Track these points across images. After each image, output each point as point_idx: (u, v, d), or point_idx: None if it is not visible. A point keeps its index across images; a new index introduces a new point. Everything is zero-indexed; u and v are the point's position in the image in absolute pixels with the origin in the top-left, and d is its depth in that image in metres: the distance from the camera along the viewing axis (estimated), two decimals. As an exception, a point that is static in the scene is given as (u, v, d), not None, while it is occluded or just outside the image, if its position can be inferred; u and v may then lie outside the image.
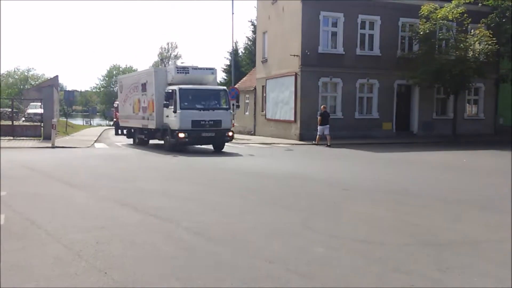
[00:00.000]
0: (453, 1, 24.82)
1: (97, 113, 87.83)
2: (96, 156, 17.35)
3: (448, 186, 10.88)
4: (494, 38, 24.88)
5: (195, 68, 19.53)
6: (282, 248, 5.63)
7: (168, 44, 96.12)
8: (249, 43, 53.33)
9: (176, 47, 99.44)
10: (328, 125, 22.63)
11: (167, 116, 18.61)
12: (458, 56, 25.16)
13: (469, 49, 25.53)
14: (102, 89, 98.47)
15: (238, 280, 4.58)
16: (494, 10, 26.55)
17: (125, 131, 24.53)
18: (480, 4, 26.92)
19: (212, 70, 20.00)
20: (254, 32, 47.71)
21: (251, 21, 52.61)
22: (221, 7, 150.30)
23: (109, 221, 6.92)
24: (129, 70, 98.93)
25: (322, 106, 24.11)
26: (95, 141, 25.05)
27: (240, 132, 31.77)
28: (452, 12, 24.52)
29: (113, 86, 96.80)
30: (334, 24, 26.24)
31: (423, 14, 25.22)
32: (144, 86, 20.63)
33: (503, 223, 7.11)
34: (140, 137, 22.19)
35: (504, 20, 26.51)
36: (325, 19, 25.99)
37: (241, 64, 51.25)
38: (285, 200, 8.89)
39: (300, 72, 25.76)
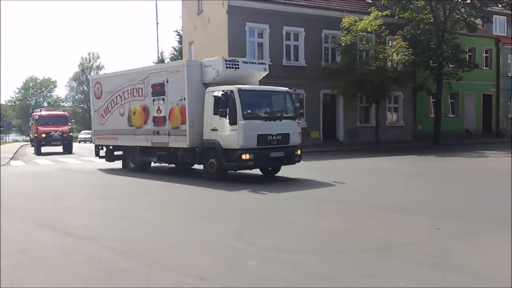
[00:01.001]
0: (371, 14, 26.03)
1: (13, 128, 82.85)
2: (13, 175, 16.28)
3: (374, 192, 11.24)
4: (410, 49, 26.37)
5: (246, 62, 14.55)
6: (213, 264, 5.50)
7: (89, 54, 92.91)
8: (175, 53, 52.80)
9: (98, 57, 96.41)
10: None
11: (215, 130, 13.11)
12: (378, 66, 26.39)
13: (388, 60, 26.88)
14: (17, 102, 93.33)
15: (167, 300, 4.40)
16: (409, 23, 28.26)
17: (103, 152, 18.21)
18: (396, 17, 28.53)
19: (264, 66, 15.04)
20: (180, 42, 47.30)
21: (176, 31, 52.12)
22: (145, 16, 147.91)
23: (28, 244, 6.45)
24: (47, 82, 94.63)
25: None
26: (11, 159, 23.56)
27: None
28: (371, 24, 25.70)
29: (29, 99, 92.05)
30: (260, 35, 26.61)
31: (344, 26, 26.22)
32: (159, 87, 14.84)
33: (425, 225, 7.42)
34: (147, 160, 16.12)
35: (419, 32, 28.32)
36: (251, 30, 26.29)
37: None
38: (215, 213, 8.77)
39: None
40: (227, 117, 12.62)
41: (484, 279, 4.90)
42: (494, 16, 35.20)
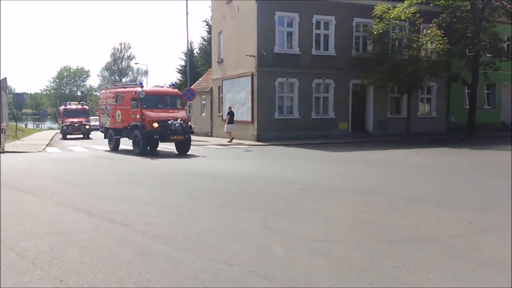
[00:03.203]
0: (405, 1, 25.49)
1: (48, 116, 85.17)
2: (48, 160, 16.77)
3: (402, 184, 11.13)
4: (445, 38, 25.71)
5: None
6: (241, 250, 5.58)
7: (120, 44, 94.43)
8: (204, 43, 52.96)
9: (130, 48, 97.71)
10: (233, 124, 25.25)
11: None
12: (411, 56, 25.87)
13: (422, 49, 26.30)
14: (52, 91, 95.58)
15: (198, 283, 4.51)
16: (445, 10, 27.43)
17: None
18: (431, 4, 27.78)
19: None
20: (209, 32, 47.43)
21: (205, 21, 52.22)
22: (175, 7, 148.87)
23: (64, 227, 6.68)
24: (80, 71, 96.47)
25: (228, 107, 25.94)
26: (47, 145, 24.25)
27: (197, 134, 31.51)
28: (405, 12, 25.18)
29: (64, 88, 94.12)
30: (289, 24, 26.44)
31: (376, 14, 25.77)
32: None
33: (456, 218, 7.32)
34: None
35: (455, 20, 27.44)
36: (280, 19, 26.14)
37: (196, 64, 50.84)
38: (243, 201, 8.86)
39: (257, 73, 25.79)
40: None
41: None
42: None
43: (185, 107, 24.22)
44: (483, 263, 5.14)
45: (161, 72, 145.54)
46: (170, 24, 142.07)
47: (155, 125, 17.94)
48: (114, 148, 20.69)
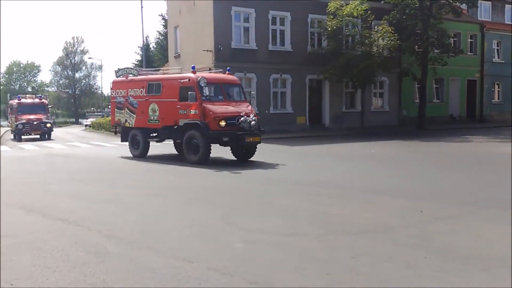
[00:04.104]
0: (357, -1, 26.01)
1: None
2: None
3: (360, 176, 11.38)
4: (396, 34, 26.46)
5: None
6: (202, 247, 5.56)
7: (73, 38, 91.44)
8: (160, 37, 52.30)
9: (83, 42, 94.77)
10: None
11: None
12: (363, 52, 26.46)
13: (374, 45, 26.96)
14: (1, 87, 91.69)
15: (156, 282, 4.45)
16: (395, 8, 28.23)
17: None
18: (382, 2, 28.50)
19: None
20: (165, 26, 46.82)
21: (161, 15, 51.56)
22: (130, 0, 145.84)
23: (15, 228, 6.44)
24: (31, 66, 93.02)
25: None
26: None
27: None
28: (357, 9, 25.69)
29: (13, 84, 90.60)
30: (246, 20, 26.46)
31: (330, 10, 26.19)
32: None
33: (410, 208, 7.56)
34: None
35: (404, 17, 28.29)
36: (237, 14, 26.13)
37: (153, 59, 50.16)
38: (204, 197, 8.82)
39: (214, 68, 25.62)
40: None
41: (464, 259, 5.04)
42: (479, 1, 35.32)
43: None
44: (434, 250, 5.34)
45: (116, 67, 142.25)
46: (125, 18, 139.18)
47: (222, 123, 13.36)
48: (142, 153, 15.76)
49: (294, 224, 6.65)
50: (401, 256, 5.16)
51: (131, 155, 15.98)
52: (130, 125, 16.07)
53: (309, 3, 27.57)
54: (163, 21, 49.61)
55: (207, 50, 25.71)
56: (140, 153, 15.78)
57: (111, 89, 17.38)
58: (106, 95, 77.50)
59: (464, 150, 17.62)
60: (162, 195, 9.11)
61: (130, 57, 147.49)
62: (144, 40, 45.18)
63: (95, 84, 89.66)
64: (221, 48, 25.43)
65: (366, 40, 26.58)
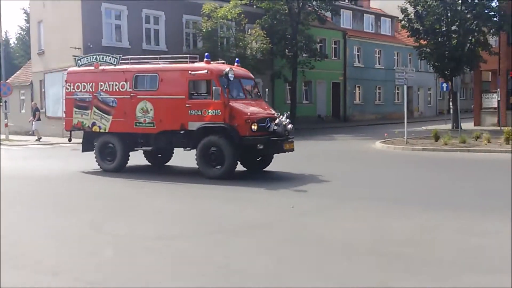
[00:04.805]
0: (231, 2, 26.51)
1: None
2: None
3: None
4: (268, 38, 27.51)
5: None
6: (67, 256, 5.22)
7: None
8: (22, 33, 48.30)
9: None
10: (40, 121, 24.48)
11: None
12: (238, 54, 27.03)
13: (248, 47, 27.71)
14: None
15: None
16: (267, 12, 29.35)
17: None
18: (255, 6, 29.40)
19: None
20: (27, 21, 43.33)
21: (23, 9, 47.70)
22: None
23: None
24: None
25: (33, 103, 25.41)
26: None
27: (16, 133, 28.50)
28: (231, 12, 26.17)
29: None
30: (118, 17, 25.48)
31: (204, 12, 26.35)
32: None
33: (280, 204, 7.88)
34: None
35: (275, 22, 29.54)
36: (108, 11, 25.04)
37: (13, 56, 46.11)
38: (71, 203, 8.30)
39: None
40: None
41: (334, 247, 5.39)
42: (342, 10, 38.16)
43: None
44: (305, 243, 5.63)
45: None
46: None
47: (254, 127, 10.54)
48: (119, 167, 11.98)
49: (168, 227, 6.54)
50: (275, 251, 5.35)
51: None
52: (102, 130, 12.15)
53: (184, 4, 27.42)
54: (26, 15, 45.91)
55: (75, 48, 24.21)
56: (117, 166, 11.93)
57: (66, 81, 12.98)
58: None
59: (332, 147, 18.89)
60: (20, 202, 8.36)
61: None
62: (4, 34, 41.34)
63: None
64: (91, 46, 24.13)
65: (240, 43, 27.20)
